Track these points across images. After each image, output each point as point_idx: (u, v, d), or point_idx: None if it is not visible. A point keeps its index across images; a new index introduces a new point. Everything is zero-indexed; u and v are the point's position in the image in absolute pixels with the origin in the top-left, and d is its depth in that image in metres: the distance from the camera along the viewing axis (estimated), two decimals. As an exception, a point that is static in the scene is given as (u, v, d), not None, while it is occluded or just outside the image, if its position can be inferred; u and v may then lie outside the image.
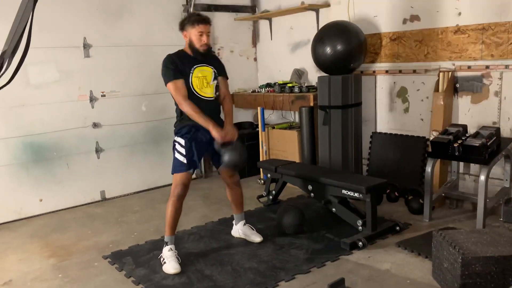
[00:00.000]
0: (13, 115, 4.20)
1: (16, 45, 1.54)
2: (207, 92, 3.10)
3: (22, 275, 3.14)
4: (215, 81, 3.16)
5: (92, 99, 4.64)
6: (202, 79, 3.08)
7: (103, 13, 4.63)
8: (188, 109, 2.98)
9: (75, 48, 4.50)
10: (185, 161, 3.03)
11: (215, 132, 2.96)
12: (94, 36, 4.58)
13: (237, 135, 3.11)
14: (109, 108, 4.75)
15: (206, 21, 3.05)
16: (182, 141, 3.05)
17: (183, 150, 3.03)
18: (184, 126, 3.06)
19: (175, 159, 3.06)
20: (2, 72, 1.55)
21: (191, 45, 3.05)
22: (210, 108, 3.11)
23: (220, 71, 3.21)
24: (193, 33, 3.01)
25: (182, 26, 3.07)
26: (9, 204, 4.25)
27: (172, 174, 3.08)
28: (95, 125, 4.68)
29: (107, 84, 4.72)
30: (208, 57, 3.16)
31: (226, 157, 2.96)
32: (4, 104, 4.12)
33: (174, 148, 3.09)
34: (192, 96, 3.03)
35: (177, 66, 3.00)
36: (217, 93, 3.18)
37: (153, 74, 4.98)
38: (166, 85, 3.02)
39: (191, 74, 3.03)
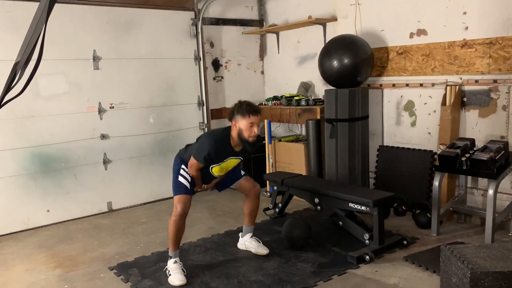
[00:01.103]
0: (23, 126, 4.24)
1: (29, 57, 1.57)
2: (220, 174, 3.23)
3: (28, 285, 3.15)
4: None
5: (101, 111, 4.68)
6: (225, 167, 3.17)
7: (112, 26, 4.70)
8: (193, 174, 3.09)
9: (85, 61, 4.56)
10: (188, 186, 3.08)
11: (196, 187, 3.18)
12: (103, 49, 4.64)
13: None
14: (118, 120, 4.80)
15: (258, 112, 3.00)
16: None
17: (188, 177, 3.10)
18: None
19: (178, 182, 3.10)
20: (14, 83, 1.58)
21: (240, 135, 2.98)
22: (213, 179, 3.26)
23: (246, 157, 3.31)
24: (244, 123, 2.95)
25: (232, 115, 3.01)
26: (17, 214, 4.27)
27: (174, 195, 3.11)
28: (103, 136, 4.72)
29: (116, 96, 4.77)
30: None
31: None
32: (14, 115, 4.17)
33: (178, 172, 3.13)
34: (205, 171, 3.13)
35: (211, 158, 3.00)
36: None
37: (161, 87, 5.06)
38: (192, 155, 3.05)
39: (219, 163, 3.10)
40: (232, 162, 3.17)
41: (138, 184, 5.00)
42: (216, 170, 3.15)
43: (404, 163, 4.29)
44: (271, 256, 3.38)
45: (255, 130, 2.98)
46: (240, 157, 3.19)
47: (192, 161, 3.04)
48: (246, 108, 2.96)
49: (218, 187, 3.39)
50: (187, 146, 3.25)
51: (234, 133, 3.02)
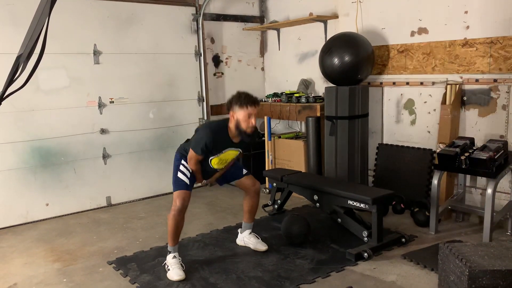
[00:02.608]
0: (23, 120, 4.24)
1: (32, 49, 1.56)
2: (220, 166, 3.21)
3: (27, 279, 3.15)
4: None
5: (101, 106, 4.68)
6: (224, 159, 3.17)
7: (113, 21, 4.69)
8: (193, 167, 3.10)
9: (85, 55, 4.55)
10: (188, 182, 3.08)
11: (197, 180, 3.19)
12: (104, 44, 4.63)
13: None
14: (117, 115, 4.79)
15: (256, 103, 3.01)
16: (188, 165, 3.12)
17: (188, 173, 3.10)
18: None
19: (178, 178, 3.10)
20: (17, 76, 1.58)
21: (238, 126, 2.99)
22: (213, 173, 3.27)
23: (246, 148, 3.27)
24: (241, 114, 2.96)
25: (230, 106, 3.02)
26: (16, 208, 4.27)
27: (174, 191, 3.11)
28: (103, 131, 4.72)
29: (116, 91, 4.77)
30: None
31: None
32: (14, 108, 4.17)
33: (177, 168, 3.13)
34: (204, 162, 3.13)
35: (209, 148, 3.01)
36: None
37: (162, 82, 5.06)
38: (190, 147, 3.05)
39: (218, 154, 3.10)
40: (231, 153, 3.16)
41: (138, 179, 5.00)
42: (215, 162, 3.14)
43: (404, 161, 4.30)
44: (269, 252, 3.39)
45: (253, 121, 2.99)
46: (239, 149, 3.18)
47: (191, 153, 3.04)
48: (244, 99, 2.97)
49: (219, 181, 3.39)
50: (188, 140, 3.25)
51: (232, 124, 3.03)
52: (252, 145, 3.32)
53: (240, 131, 3.01)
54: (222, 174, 3.32)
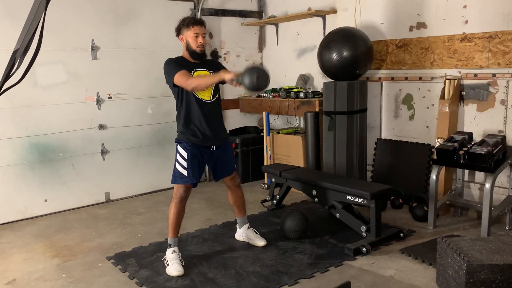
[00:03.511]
0: (21, 116, 4.23)
1: (28, 44, 1.56)
2: (205, 95, 3.13)
3: (26, 274, 3.16)
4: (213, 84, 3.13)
5: (99, 101, 4.67)
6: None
7: (111, 16, 4.67)
8: (195, 82, 2.92)
9: (83, 50, 4.53)
10: (186, 174, 3.06)
11: (226, 75, 2.84)
12: (102, 39, 4.62)
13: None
14: (116, 110, 4.78)
15: (201, 23, 3.11)
16: (184, 154, 3.07)
17: (184, 163, 3.07)
18: (186, 138, 3.09)
19: (176, 169, 3.09)
20: (13, 70, 1.57)
21: (188, 47, 3.09)
22: (211, 110, 3.15)
23: (219, 69, 3.11)
24: (189, 35, 3.06)
25: (178, 30, 3.13)
26: (14, 203, 4.27)
27: (173, 183, 3.11)
28: (101, 126, 4.71)
29: (114, 86, 4.75)
30: (206, 61, 3.21)
31: (246, 80, 2.75)
32: (12, 104, 4.15)
33: (175, 159, 3.11)
34: (192, 99, 3.07)
35: (179, 63, 3.04)
36: (216, 96, 3.18)
37: (160, 77, 4.96)
38: (172, 80, 2.97)
39: (192, 74, 3.06)
40: (203, 74, 3.09)
41: (136, 174, 5.00)
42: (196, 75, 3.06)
43: (402, 156, 4.30)
44: (268, 247, 3.40)
45: (200, 39, 3.06)
46: (209, 70, 3.11)
47: (178, 80, 2.94)
48: (188, 19, 3.10)
49: (215, 176, 3.35)
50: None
51: (184, 49, 3.12)
52: (220, 65, 3.21)
53: (191, 51, 3.08)
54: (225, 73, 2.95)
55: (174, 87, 3.04)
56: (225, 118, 4.53)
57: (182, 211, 3.09)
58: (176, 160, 3.10)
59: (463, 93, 3.90)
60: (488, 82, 3.73)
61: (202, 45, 3.08)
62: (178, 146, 3.11)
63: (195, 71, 3.09)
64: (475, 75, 3.80)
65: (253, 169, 5.34)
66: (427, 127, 4.21)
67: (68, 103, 4.48)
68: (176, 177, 3.09)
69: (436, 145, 3.69)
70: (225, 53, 5.65)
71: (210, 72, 3.13)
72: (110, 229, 4.00)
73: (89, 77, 4.58)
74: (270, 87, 5.66)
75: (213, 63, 3.29)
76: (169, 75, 3.02)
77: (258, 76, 2.76)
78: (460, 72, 3.91)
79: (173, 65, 3.02)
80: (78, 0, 4.44)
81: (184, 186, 3.06)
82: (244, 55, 5.83)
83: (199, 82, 2.94)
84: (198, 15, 5.20)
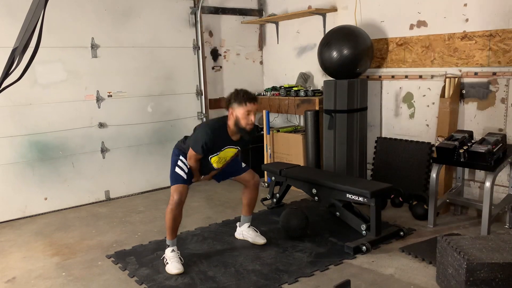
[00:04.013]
0: (20, 114, 4.22)
1: (27, 43, 1.55)
2: (219, 165, 3.21)
3: (26, 272, 3.16)
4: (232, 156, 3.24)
5: (99, 99, 4.66)
6: (223, 157, 3.15)
7: (111, 14, 4.66)
8: (191, 165, 3.09)
9: (83, 49, 4.53)
10: (185, 177, 3.08)
11: (194, 178, 3.19)
12: (101, 37, 4.61)
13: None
14: (115, 109, 4.78)
15: (255, 100, 2.98)
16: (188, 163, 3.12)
17: (186, 169, 3.09)
18: None
19: (175, 172, 3.10)
20: (12, 69, 1.56)
21: (236, 123, 2.98)
22: (212, 170, 3.26)
23: (246, 144, 3.26)
24: (241, 112, 2.94)
25: (229, 104, 3.00)
26: (14, 202, 4.27)
27: (171, 185, 3.11)
28: (101, 125, 4.70)
29: (114, 85, 4.75)
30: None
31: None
32: (12, 102, 4.15)
33: (175, 163, 3.12)
34: (204, 161, 3.12)
35: (209, 147, 3.00)
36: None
37: (160, 76, 5.04)
38: (190, 146, 3.04)
39: (217, 153, 3.09)
40: (230, 152, 3.16)
41: (136, 173, 5.00)
42: (215, 160, 3.15)
43: (402, 155, 4.30)
44: (268, 245, 3.40)
45: (252, 118, 2.97)
46: (237, 147, 3.18)
47: (191, 152, 3.04)
48: (243, 96, 2.95)
49: (217, 177, 3.39)
50: (186, 137, 3.24)
51: (231, 122, 3.01)
52: (251, 142, 3.32)
53: (239, 128, 2.99)
54: (219, 171, 3.32)
55: None
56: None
57: (179, 216, 3.08)
58: (176, 164, 3.11)
59: (464, 91, 3.89)
60: (488, 80, 3.73)
61: (253, 124, 3.00)
62: (181, 156, 3.13)
63: (226, 148, 3.10)
64: (476, 73, 3.80)
65: (253, 168, 5.26)
66: (427, 125, 4.21)
67: (68, 102, 4.48)
68: (175, 179, 3.09)
69: (436, 144, 3.69)
70: (225, 52, 5.64)
71: (237, 148, 3.18)
72: (110, 227, 4.00)
73: (89, 75, 4.57)
74: (270, 85, 5.67)
75: (244, 142, 3.20)
76: (193, 141, 3.03)
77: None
78: (460, 71, 3.90)
79: (201, 147, 2.97)
80: (77, -2, 4.44)
81: (182, 187, 3.06)
82: (244, 53, 5.83)
83: (193, 168, 3.10)
84: (198, 13, 5.19)
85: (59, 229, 4.01)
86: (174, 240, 3.12)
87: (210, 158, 3.12)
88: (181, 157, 3.13)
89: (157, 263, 3.17)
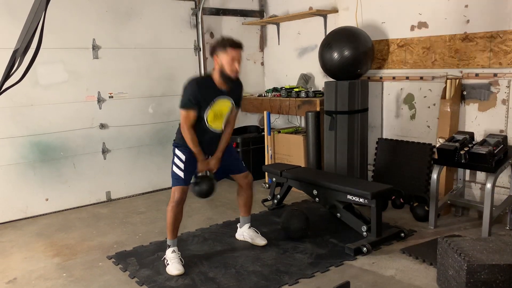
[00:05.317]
0: (22, 115, 4.23)
1: (28, 44, 1.56)
2: (217, 124, 3.11)
3: (27, 273, 3.16)
4: (228, 114, 3.16)
5: (100, 100, 4.67)
6: (218, 112, 3.07)
7: (112, 15, 4.67)
8: (187, 136, 2.99)
9: (84, 50, 4.54)
10: (182, 176, 3.05)
11: (199, 165, 3.08)
12: (103, 38, 4.62)
13: (216, 167, 3.20)
14: (117, 110, 4.78)
15: (239, 46, 2.95)
16: (182, 156, 3.07)
17: (181, 165, 3.06)
18: (184, 144, 3.07)
19: (173, 172, 3.08)
20: (13, 70, 1.57)
21: (221, 71, 2.94)
22: (212, 140, 3.15)
23: (237, 103, 3.19)
24: (225, 58, 2.90)
25: (213, 51, 2.97)
26: (15, 202, 4.28)
27: (171, 187, 3.10)
28: (102, 126, 4.71)
29: (115, 86, 4.76)
30: (234, 85, 3.09)
31: (196, 188, 3.12)
32: (13, 103, 4.16)
33: (172, 161, 3.11)
34: (201, 125, 3.03)
35: (197, 98, 2.93)
36: (223, 127, 3.20)
37: (161, 77, 5.05)
38: (179, 107, 2.99)
39: (209, 106, 3.00)
40: (224, 105, 3.06)
41: (137, 173, 5.01)
42: (210, 118, 3.02)
43: (403, 156, 4.30)
44: (269, 246, 3.40)
45: (237, 65, 2.94)
46: (230, 99, 3.08)
47: (181, 114, 2.94)
48: (227, 41, 2.93)
49: (217, 175, 3.34)
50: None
51: (216, 70, 2.97)
52: (242, 98, 3.23)
53: (224, 76, 2.95)
54: (222, 152, 3.19)
55: None
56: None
57: (179, 214, 3.08)
58: (174, 163, 3.10)
59: (464, 92, 3.89)
60: (489, 81, 3.72)
61: (237, 71, 2.96)
62: (176, 150, 3.11)
63: (217, 98, 3.01)
64: (477, 74, 3.80)
65: (254, 169, 5.32)
66: (428, 126, 4.20)
67: (69, 102, 4.49)
68: (174, 179, 3.08)
69: (437, 145, 3.68)
70: (226, 53, 5.63)
71: (231, 100, 3.10)
72: (110, 228, 4.01)
73: (90, 76, 4.58)
74: (271, 86, 5.67)
75: (236, 89, 3.15)
76: (180, 101, 2.98)
77: (204, 192, 3.14)
78: (461, 72, 3.90)
79: (188, 100, 2.92)
80: (79, -1, 4.45)
81: (181, 188, 3.05)
82: (245, 54, 5.82)
83: (188, 141, 2.99)
84: (199, 15, 5.20)
85: (60, 229, 4.02)
86: (175, 240, 3.12)
87: (206, 117, 3.01)
88: (176, 151, 3.09)
89: (158, 264, 3.17)
